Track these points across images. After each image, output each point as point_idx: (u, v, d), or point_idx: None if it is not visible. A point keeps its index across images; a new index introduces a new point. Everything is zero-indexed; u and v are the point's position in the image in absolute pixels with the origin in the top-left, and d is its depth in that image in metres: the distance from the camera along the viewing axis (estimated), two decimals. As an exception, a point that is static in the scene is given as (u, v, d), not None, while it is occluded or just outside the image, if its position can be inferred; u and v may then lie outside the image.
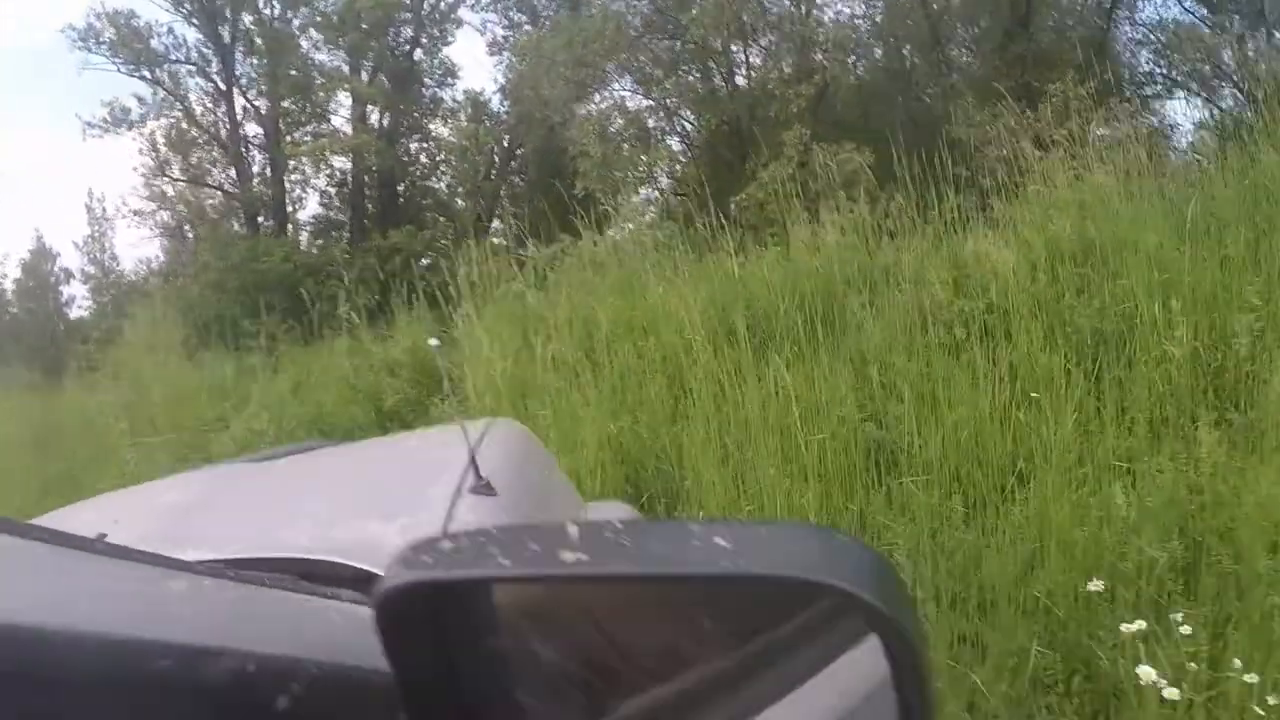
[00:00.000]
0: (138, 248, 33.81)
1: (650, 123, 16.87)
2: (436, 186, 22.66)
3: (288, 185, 22.16)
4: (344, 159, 21.52)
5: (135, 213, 22.60)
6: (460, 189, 22.19)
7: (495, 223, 21.92)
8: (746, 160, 14.76)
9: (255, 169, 22.33)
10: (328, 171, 22.30)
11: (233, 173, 22.27)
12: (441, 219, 21.36)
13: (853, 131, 14.09)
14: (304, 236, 22.45)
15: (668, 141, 17.02)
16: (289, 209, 22.17)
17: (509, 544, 0.64)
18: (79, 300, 28.67)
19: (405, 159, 21.89)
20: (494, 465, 1.60)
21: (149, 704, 0.57)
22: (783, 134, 13.92)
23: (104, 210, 25.14)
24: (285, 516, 1.57)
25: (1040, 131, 9.14)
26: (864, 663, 0.66)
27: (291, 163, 21.53)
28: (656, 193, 15.01)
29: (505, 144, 20.80)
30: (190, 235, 22.82)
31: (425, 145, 22.24)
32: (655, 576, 0.65)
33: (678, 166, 16.09)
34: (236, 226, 22.32)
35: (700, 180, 13.62)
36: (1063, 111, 9.80)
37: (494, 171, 21.20)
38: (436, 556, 0.64)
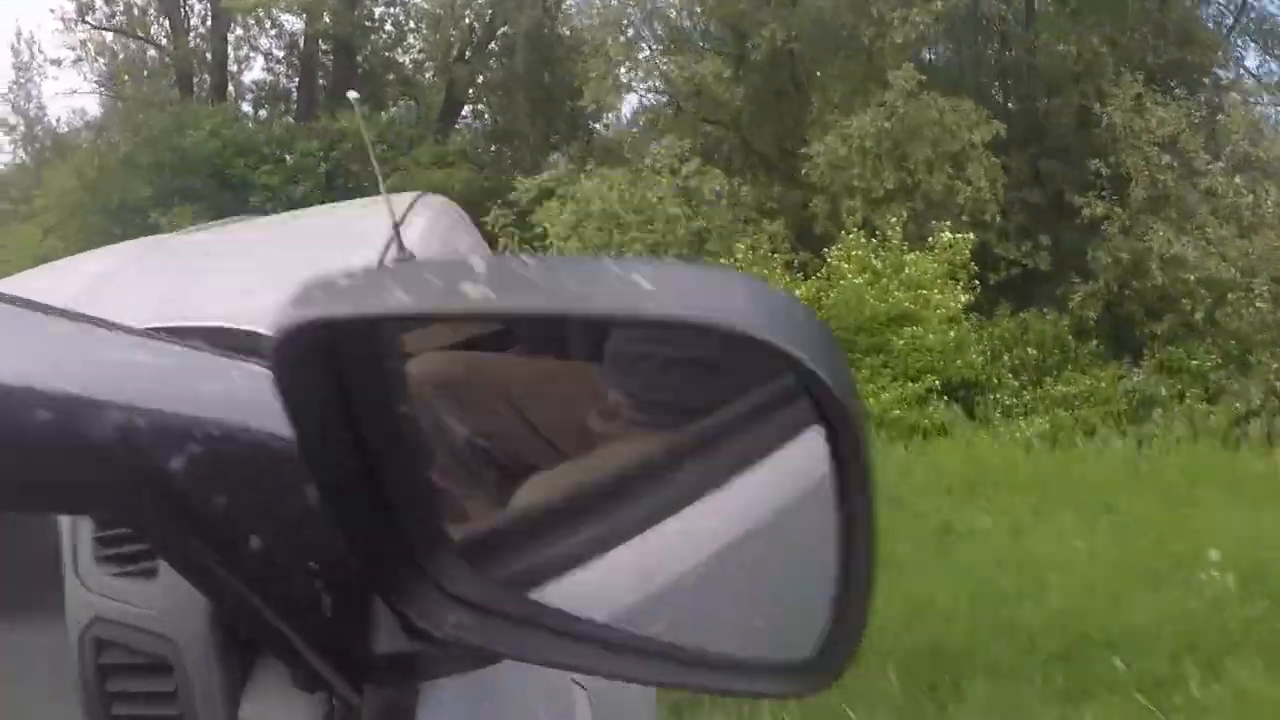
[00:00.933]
0: (72, 98, 31.26)
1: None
2: (402, 60, 19.58)
3: (231, 43, 19.16)
4: (295, 18, 18.33)
5: (53, 62, 20.28)
6: (430, 64, 19.18)
7: (466, 111, 19.05)
8: (809, 99, 11.76)
9: (194, 21, 19.35)
10: (274, 32, 19.26)
11: (166, 24, 19.23)
12: (405, 98, 18.50)
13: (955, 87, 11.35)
14: (246, 105, 19.45)
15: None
16: (230, 69, 19.17)
17: (411, 279, 0.59)
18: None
19: (368, 24, 18.75)
20: (419, 238, 1.64)
21: (22, 460, 0.51)
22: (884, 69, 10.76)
23: (31, 55, 21.95)
24: (202, 286, 1.55)
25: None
26: (801, 459, 0.65)
27: (237, 18, 18.45)
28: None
29: (487, 19, 17.62)
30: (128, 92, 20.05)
31: (392, 10, 19.27)
32: (568, 315, 0.60)
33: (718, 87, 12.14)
34: (173, 91, 19.39)
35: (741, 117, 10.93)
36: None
37: (469, 50, 18.08)
38: (333, 293, 0.57)
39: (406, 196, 1.86)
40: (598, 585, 0.76)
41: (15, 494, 0.54)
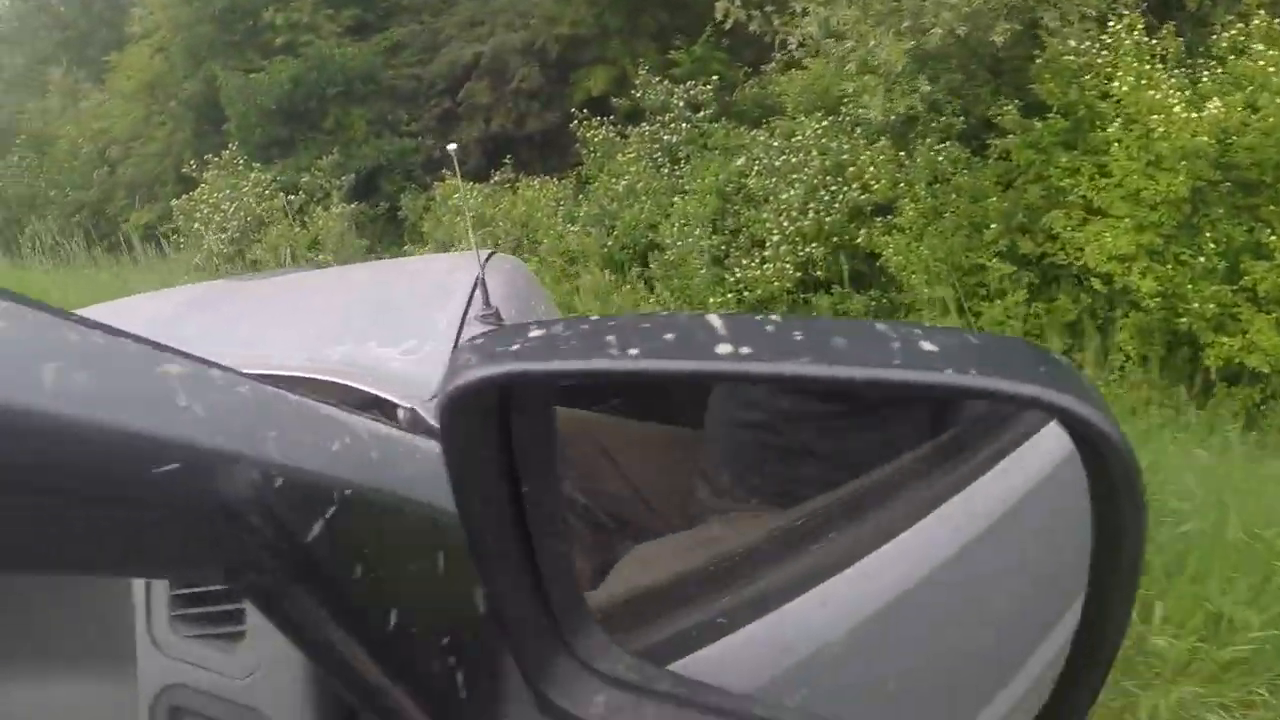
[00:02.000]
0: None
1: None
2: None
3: None
4: None
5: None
6: None
7: None
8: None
9: None
10: None
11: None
12: None
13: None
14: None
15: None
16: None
17: (625, 331, 0.53)
18: None
19: None
20: (496, 295, 1.52)
21: (143, 518, 0.45)
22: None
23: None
24: (278, 334, 1.46)
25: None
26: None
27: None
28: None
29: None
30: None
31: None
32: (849, 379, 0.51)
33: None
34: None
35: None
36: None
37: None
38: (525, 344, 0.53)
39: (481, 254, 1.76)
40: (736, 658, 0.73)
41: (135, 557, 0.48)
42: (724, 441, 0.93)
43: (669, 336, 0.53)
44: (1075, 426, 0.53)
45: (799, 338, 0.51)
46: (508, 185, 15.59)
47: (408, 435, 0.66)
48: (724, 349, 0.50)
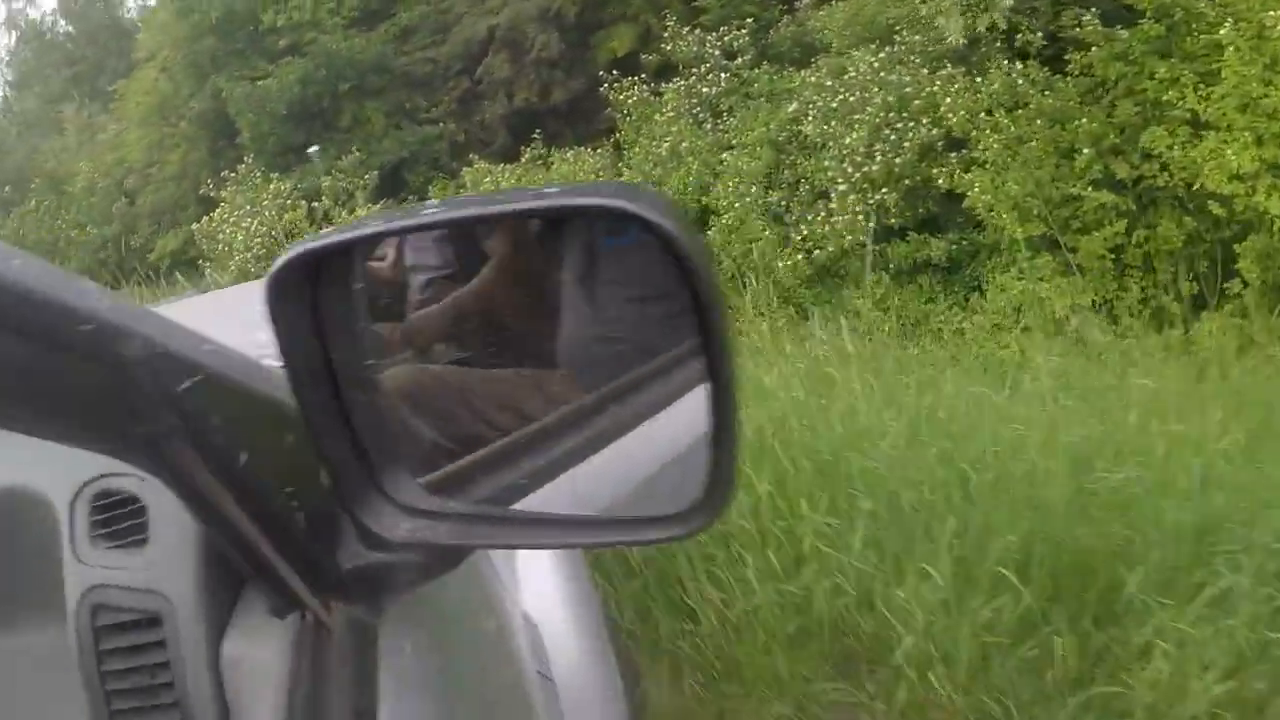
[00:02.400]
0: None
1: None
2: None
3: None
4: None
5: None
6: None
7: None
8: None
9: None
10: None
11: None
12: None
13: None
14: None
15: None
16: None
17: (385, 215, 0.89)
18: None
19: None
20: None
21: (69, 365, 0.64)
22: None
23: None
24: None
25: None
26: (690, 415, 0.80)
27: None
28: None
29: None
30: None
31: None
32: (489, 215, 0.90)
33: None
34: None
35: None
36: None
37: None
38: (324, 234, 0.83)
39: None
40: (527, 491, 0.93)
41: (60, 399, 0.65)
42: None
43: (399, 213, 0.88)
44: (647, 227, 0.72)
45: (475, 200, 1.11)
46: (539, 161, 14.60)
47: (272, 364, 0.82)
48: (430, 212, 0.87)
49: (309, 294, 0.81)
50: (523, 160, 14.60)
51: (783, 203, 10.32)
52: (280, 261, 0.78)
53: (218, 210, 15.27)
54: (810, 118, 10.15)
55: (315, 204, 14.45)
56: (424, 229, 0.96)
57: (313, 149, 15.35)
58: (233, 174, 15.93)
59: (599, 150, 14.01)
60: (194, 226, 15.54)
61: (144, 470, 0.76)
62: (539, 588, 1.73)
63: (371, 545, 0.85)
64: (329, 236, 0.83)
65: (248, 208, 14.74)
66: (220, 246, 14.85)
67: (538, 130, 15.28)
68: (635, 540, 1.24)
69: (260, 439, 0.78)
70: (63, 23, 32.18)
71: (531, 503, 0.92)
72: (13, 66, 32.84)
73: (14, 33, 31.60)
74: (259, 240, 14.20)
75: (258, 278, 11.37)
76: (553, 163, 14.31)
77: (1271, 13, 7.43)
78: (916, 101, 9.53)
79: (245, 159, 16.18)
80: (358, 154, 15.35)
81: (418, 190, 15.56)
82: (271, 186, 14.98)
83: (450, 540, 0.88)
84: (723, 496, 0.79)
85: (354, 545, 0.85)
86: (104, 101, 29.34)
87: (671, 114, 12.23)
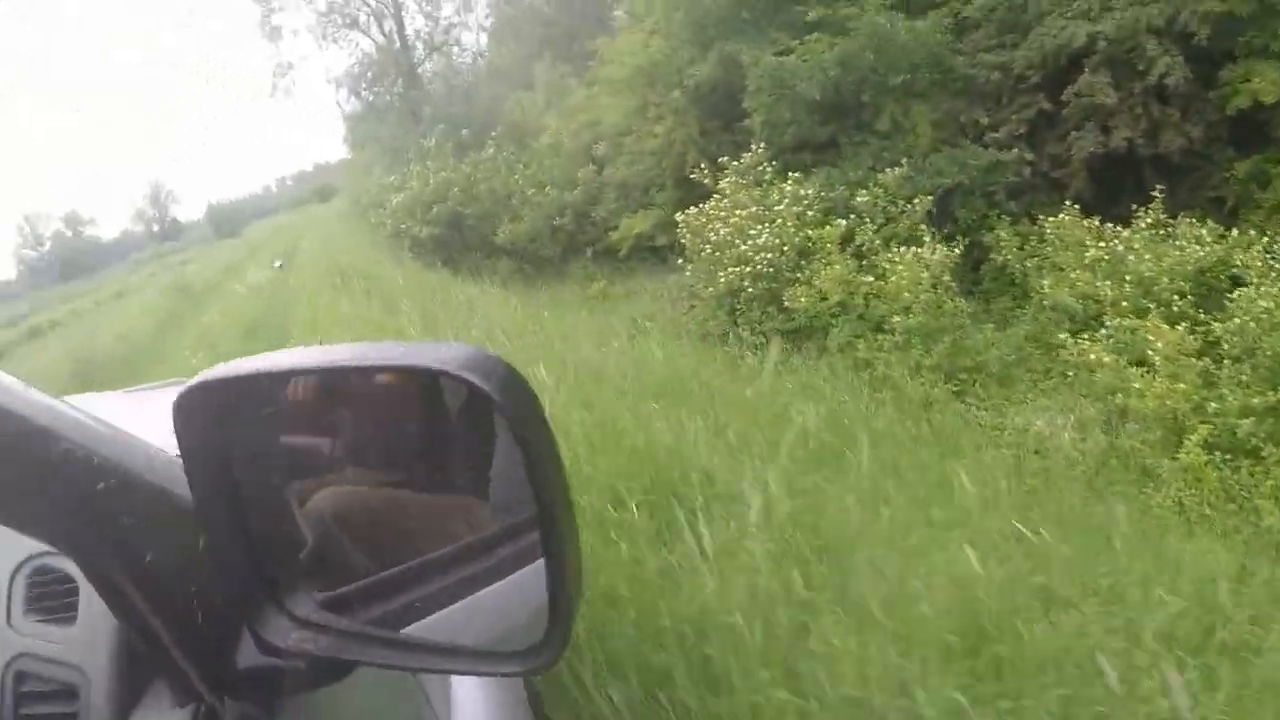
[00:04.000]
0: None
1: None
2: None
3: None
4: None
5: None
6: None
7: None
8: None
9: None
10: None
11: None
12: None
13: None
14: None
15: None
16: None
17: (268, 357, 0.94)
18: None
19: None
20: None
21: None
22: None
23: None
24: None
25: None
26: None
27: None
28: None
29: None
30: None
31: None
32: (334, 366, 0.97)
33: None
34: None
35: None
36: None
37: None
38: (217, 368, 0.91)
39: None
40: (418, 616, 1.01)
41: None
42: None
43: (283, 355, 0.94)
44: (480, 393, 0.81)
45: (335, 350, 0.97)
46: (1158, 231, 10.52)
47: (164, 451, 0.93)
48: (294, 357, 0.96)
49: (217, 416, 0.91)
50: (1140, 225, 10.59)
51: None
52: (187, 387, 0.89)
53: (710, 202, 12.41)
54: None
55: (845, 220, 11.15)
56: (299, 373, 0.99)
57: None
58: (735, 161, 12.98)
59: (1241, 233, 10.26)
60: (678, 216, 12.80)
61: (67, 556, 0.91)
62: (471, 712, 1.61)
63: (263, 650, 0.95)
64: (236, 368, 0.92)
65: (753, 208, 11.69)
66: (707, 249, 11.97)
67: (1130, 179, 11.16)
68: (496, 672, 1.23)
69: (168, 540, 0.88)
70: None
71: (419, 627, 1.01)
72: (491, 16, 32.75)
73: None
74: (766, 256, 11.10)
75: (750, 302, 11.37)
76: (1174, 231, 10.29)
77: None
78: None
79: (754, 146, 13.13)
80: (904, 169, 11.80)
81: (968, 230, 11.81)
82: (787, 187, 11.84)
83: (328, 653, 0.95)
84: (559, 643, 0.90)
85: (250, 650, 0.95)
86: (576, 64, 28.59)
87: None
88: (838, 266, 10.67)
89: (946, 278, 10.24)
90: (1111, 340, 9.20)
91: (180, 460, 0.89)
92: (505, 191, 20.13)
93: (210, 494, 0.89)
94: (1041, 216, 11.63)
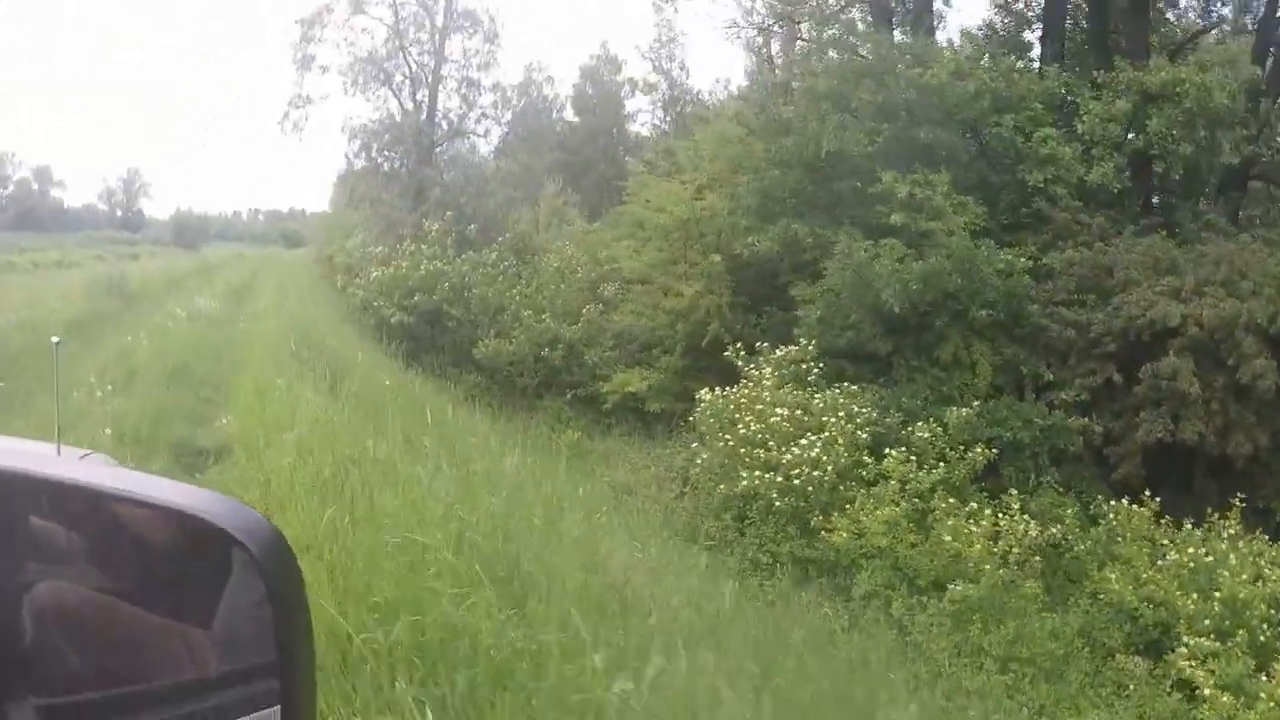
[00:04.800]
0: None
1: None
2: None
3: None
4: None
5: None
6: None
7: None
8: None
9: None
10: None
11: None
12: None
13: None
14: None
15: None
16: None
17: (37, 460, 1.07)
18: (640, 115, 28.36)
19: None
20: None
21: None
22: None
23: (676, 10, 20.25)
24: None
25: None
26: None
27: None
28: None
29: None
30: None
31: None
32: (115, 494, 0.96)
33: None
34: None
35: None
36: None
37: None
38: None
39: (79, 450, 1.80)
40: None
41: None
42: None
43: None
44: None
45: (117, 475, 1.16)
46: (1236, 540, 9.31)
47: None
48: (71, 472, 1.07)
49: None
50: (1222, 532, 9.30)
51: None
52: None
53: (739, 389, 10.91)
54: None
55: (895, 450, 9.70)
56: (70, 491, 0.99)
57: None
58: (772, 351, 11.55)
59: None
60: (701, 394, 11.27)
61: None
62: None
63: None
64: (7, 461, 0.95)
65: (795, 411, 10.20)
66: (726, 439, 10.41)
67: (1240, 495, 9.90)
68: None
69: None
70: (569, 112, 31.58)
71: None
72: (511, 124, 32.00)
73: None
74: (806, 472, 9.55)
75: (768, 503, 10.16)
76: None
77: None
78: None
79: (799, 339, 11.73)
80: (970, 411, 10.42)
81: (1014, 484, 10.40)
82: (838, 397, 10.39)
83: None
84: None
85: None
86: (585, 196, 27.97)
87: None
88: (892, 508, 9.11)
89: (1034, 556, 8.78)
90: (1214, 673, 7.77)
91: None
92: (497, 303, 18.45)
93: None
94: (1099, 497, 10.34)
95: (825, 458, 9.58)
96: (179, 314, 18.10)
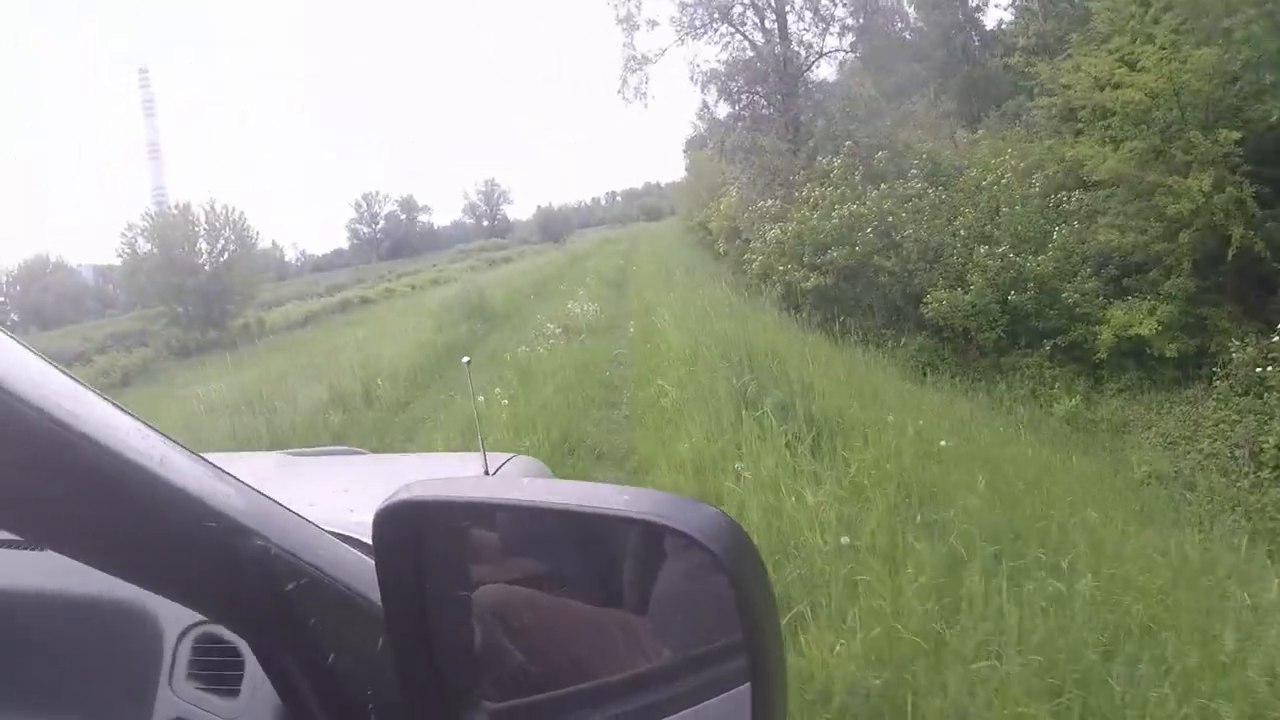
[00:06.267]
0: None
1: None
2: None
3: None
4: None
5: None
6: None
7: None
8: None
9: None
10: None
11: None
12: None
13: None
14: None
15: None
16: None
17: (479, 482, 1.10)
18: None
19: None
20: None
21: (195, 550, 0.78)
22: None
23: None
24: (318, 498, 1.71)
25: None
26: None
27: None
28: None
29: None
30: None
31: None
32: (564, 510, 0.92)
33: None
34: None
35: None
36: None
37: None
38: (433, 485, 0.94)
39: (503, 456, 1.99)
40: None
41: (184, 583, 0.79)
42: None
43: (494, 483, 1.10)
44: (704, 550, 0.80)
45: (555, 489, 0.95)
46: None
47: (365, 558, 0.94)
48: (514, 494, 1.00)
49: (414, 534, 0.92)
50: None
51: None
52: (391, 503, 0.90)
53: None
54: None
55: None
56: (513, 509, 0.99)
57: None
58: None
59: None
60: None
61: (241, 638, 0.95)
62: None
63: None
64: (442, 491, 0.96)
65: None
66: None
67: None
68: None
69: (351, 642, 0.90)
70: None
71: None
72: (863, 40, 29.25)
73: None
74: None
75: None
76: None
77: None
78: None
79: None
80: None
81: None
82: None
83: None
84: None
85: None
86: (960, 101, 25.12)
87: None
88: None
89: None
90: None
91: (362, 558, 0.94)
92: (935, 243, 15.96)
93: (400, 605, 0.91)
94: None
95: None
96: (550, 330, 14.92)
